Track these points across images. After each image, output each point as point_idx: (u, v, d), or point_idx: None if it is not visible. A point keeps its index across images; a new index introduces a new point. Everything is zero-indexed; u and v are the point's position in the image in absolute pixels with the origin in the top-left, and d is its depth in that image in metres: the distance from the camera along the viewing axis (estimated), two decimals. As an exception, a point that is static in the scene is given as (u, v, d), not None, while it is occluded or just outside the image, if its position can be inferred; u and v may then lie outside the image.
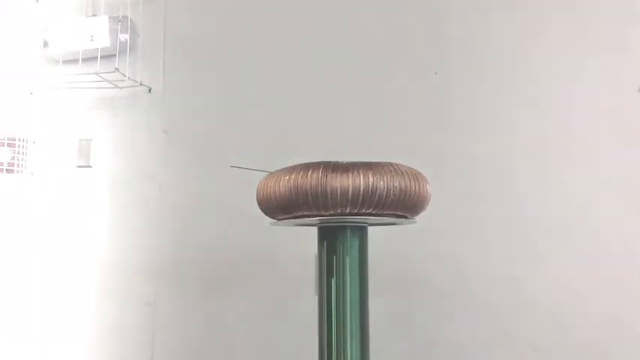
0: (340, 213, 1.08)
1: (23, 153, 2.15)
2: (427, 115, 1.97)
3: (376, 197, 1.06)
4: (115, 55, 2.09)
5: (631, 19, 1.89)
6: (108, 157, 2.20)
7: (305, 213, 1.10)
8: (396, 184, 1.08)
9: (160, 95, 2.18)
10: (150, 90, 2.18)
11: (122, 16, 2.13)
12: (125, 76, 2.10)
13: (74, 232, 2.17)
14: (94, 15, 2.20)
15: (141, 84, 2.15)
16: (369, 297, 1.20)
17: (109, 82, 2.11)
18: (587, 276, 1.82)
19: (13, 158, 2.12)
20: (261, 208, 1.20)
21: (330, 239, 1.19)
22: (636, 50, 1.87)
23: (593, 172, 1.85)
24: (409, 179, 1.10)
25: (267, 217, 1.22)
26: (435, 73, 1.99)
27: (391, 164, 1.10)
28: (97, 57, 2.07)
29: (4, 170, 2.10)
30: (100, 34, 2.12)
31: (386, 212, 1.10)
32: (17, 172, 2.13)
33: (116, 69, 2.07)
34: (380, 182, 1.06)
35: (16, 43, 2.26)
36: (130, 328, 2.09)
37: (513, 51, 1.95)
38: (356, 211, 1.08)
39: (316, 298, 1.21)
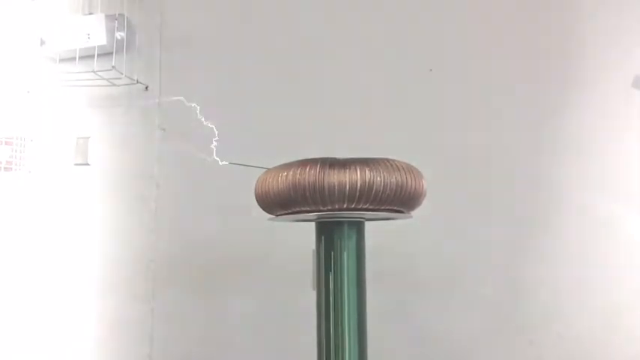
0: (338, 208, 1.10)
1: (21, 151, 2.15)
2: (422, 110, 1.98)
3: (373, 193, 1.08)
4: (111, 54, 2.10)
5: (625, 15, 1.90)
6: (105, 155, 2.20)
7: (303, 209, 1.12)
8: (393, 179, 1.09)
9: (157, 93, 2.19)
10: (146, 88, 2.18)
11: (118, 14, 2.13)
12: (122, 74, 2.10)
13: (72, 229, 2.18)
14: (91, 13, 2.20)
15: (137, 82, 2.15)
16: (367, 291, 1.22)
17: (106, 80, 2.11)
18: (583, 271, 1.84)
19: (10, 156, 2.12)
20: (259, 205, 1.21)
21: (327, 234, 1.21)
22: (629, 46, 1.89)
23: (590, 169, 1.87)
24: (405, 175, 1.11)
25: (265, 213, 1.23)
26: (430, 70, 2.00)
27: (387, 160, 1.12)
28: (93, 55, 2.07)
29: (2, 169, 2.10)
30: (96, 32, 2.12)
31: (382, 207, 1.12)
32: (15, 170, 2.13)
33: (113, 67, 2.07)
34: (376, 178, 1.07)
35: (13, 41, 2.26)
36: (129, 324, 2.10)
37: (510, 48, 1.97)
38: (353, 206, 1.09)
39: (314, 293, 1.23)
